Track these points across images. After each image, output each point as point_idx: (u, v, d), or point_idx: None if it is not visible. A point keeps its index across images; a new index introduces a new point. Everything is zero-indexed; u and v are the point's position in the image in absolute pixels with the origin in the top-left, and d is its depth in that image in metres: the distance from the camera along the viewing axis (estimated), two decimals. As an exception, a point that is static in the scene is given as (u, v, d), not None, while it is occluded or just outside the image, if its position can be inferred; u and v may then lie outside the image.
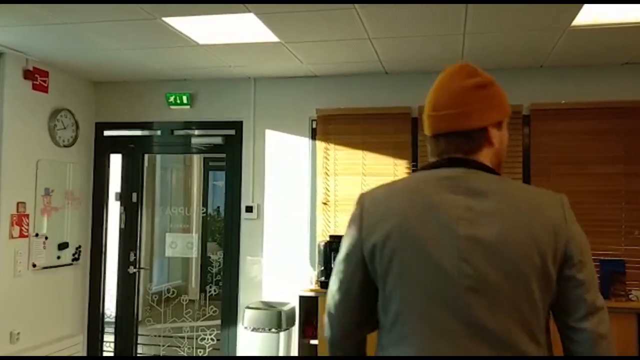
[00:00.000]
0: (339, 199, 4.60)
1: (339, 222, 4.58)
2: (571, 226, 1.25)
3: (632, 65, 4.22)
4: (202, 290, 5.35)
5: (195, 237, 5.28)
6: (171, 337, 5.17)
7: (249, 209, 4.80)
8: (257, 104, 4.86)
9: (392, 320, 1.25)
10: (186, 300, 5.22)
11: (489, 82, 1.33)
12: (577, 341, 1.24)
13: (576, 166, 4.25)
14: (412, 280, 1.22)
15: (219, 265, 5.06)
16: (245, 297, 4.74)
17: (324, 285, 4.24)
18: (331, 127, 4.67)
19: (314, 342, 4.25)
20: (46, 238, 4.53)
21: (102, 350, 5.13)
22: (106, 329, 5.19)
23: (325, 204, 4.62)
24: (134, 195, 5.16)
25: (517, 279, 1.18)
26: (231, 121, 4.89)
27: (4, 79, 4.19)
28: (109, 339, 5.16)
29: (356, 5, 3.13)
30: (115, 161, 5.25)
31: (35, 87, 4.46)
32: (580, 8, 3.14)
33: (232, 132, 4.91)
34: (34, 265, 4.40)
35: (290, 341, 4.42)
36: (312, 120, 4.74)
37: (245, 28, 3.55)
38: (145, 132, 5.15)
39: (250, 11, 3.24)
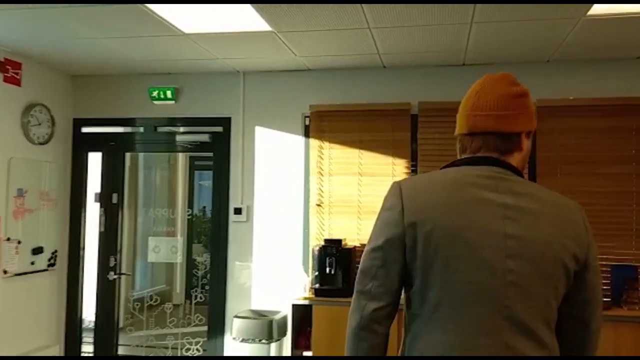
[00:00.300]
0: (333, 201, 4.34)
1: (333, 225, 4.31)
2: (590, 233, 1.37)
3: (645, 60, 4.00)
4: (188, 295, 5.06)
5: (180, 240, 4.98)
6: (154, 347, 4.86)
7: (238, 211, 4.52)
8: (246, 100, 4.58)
9: (430, 309, 1.30)
10: (170, 308, 4.91)
11: (528, 93, 1.43)
12: (579, 335, 1.39)
13: (584, 166, 4.04)
14: (456, 272, 1.27)
15: (205, 269, 4.80)
16: (233, 305, 4.46)
17: (319, 292, 3.98)
18: (325, 124, 4.41)
19: (307, 353, 3.98)
20: (19, 242, 4.20)
21: (80, 362, 4.80)
22: (85, 339, 4.87)
23: (319, 205, 4.36)
24: (115, 196, 4.85)
25: (550, 277, 1.28)
26: (219, 117, 4.62)
27: (-29, 70, 3.86)
28: (87, 350, 4.84)
29: (358, -11, 2.86)
30: (95, 160, 4.93)
31: (6, 80, 4.13)
32: (599, -5, 2.91)
33: (219, 129, 4.64)
34: (5, 272, 4.08)
35: (282, 353, 4.15)
36: (306, 117, 4.48)
37: (235, 16, 3.27)
38: (127, 129, 4.84)
39: (241, -5, 2.96)
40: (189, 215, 5.23)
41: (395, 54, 4.01)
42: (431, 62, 4.21)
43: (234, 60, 4.29)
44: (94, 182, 4.91)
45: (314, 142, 4.41)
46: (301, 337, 4.04)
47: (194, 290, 4.88)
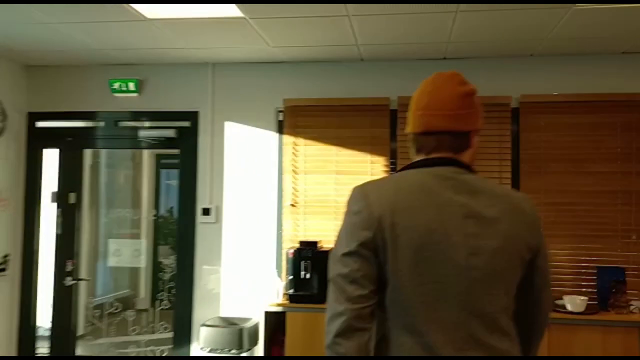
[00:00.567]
0: (309, 201, 4.10)
1: (309, 226, 4.07)
2: (540, 222, 1.45)
3: (631, 55, 3.87)
4: (153, 300, 4.77)
5: (143, 243, 4.67)
6: (114, 356, 4.54)
7: (206, 212, 4.24)
8: (215, 93, 4.30)
9: (400, 310, 1.33)
10: (133, 316, 4.59)
11: (476, 91, 1.48)
12: (531, 316, 1.50)
13: (569, 164, 3.89)
14: (424, 273, 1.31)
15: (172, 272, 4.55)
16: (200, 312, 4.17)
17: (293, 298, 3.74)
18: (300, 119, 4.17)
19: (281, 363, 3.73)
20: (-36, 246, 3.84)
21: (33, 375, 4.44)
22: (40, 349, 4.52)
23: (293, 205, 4.11)
24: (72, 195, 4.52)
25: (509, 269, 1.36)
26: (185, 112, 4.32)
27: None
28: (42, 361, 4.49)
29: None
30: (51, 157, 4.57)
31: (-51, 68, 3.77)
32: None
33: (186, 124, 4.34)
34: (-52, 279, 3.71)
35: (254, 363, 3.88)
36: (279, 112, 4.24)
37: (204, -2, 2.99)
38: (86, 124, 4.48)
39: (210, -26, 2.69)
40: (154, 216, 4.93)
41: (374, 45, 3.79)
42: (411, 55, 4.01)
43: (202, 50, 4.00)
44: (50, 181, 4.57)
45: (287, 139, 4.17)
46: (274, 346, 3.79)
47: (159, 294, 4.57)
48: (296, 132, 4.16)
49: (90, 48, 3.97)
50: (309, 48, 3.88)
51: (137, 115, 4.40)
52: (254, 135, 4.23)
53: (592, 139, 3.87)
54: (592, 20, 3.28)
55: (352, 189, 1.42)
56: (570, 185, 3.87)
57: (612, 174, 3.84)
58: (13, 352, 4.37)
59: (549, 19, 3.27)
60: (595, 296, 3.66)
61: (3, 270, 4.20)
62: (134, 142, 4.46)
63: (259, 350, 3.84)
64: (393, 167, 4.05)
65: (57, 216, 4.49)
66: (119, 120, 4.44)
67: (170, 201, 5.07)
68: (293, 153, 4.16)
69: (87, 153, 4.70)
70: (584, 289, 3.76)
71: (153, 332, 4.53)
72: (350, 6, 3.07)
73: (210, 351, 3.77)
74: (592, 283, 3.74)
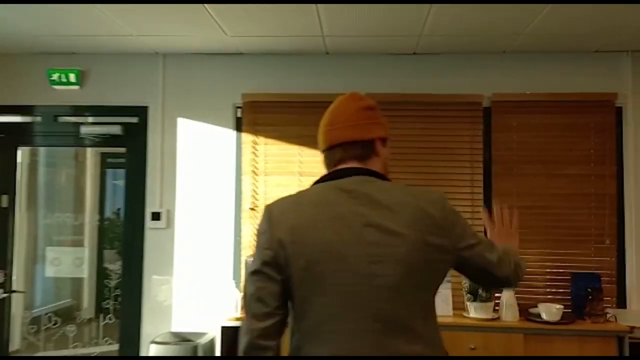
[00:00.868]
0: (269, 204, 3.78)
1: (269, 232, 3.76)
2: (452, 217, 1.47)
3: (603, 54, 3.76)
4: (98, 310, 4.37)
5: (86, 251, 4.25)
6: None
7: (156, 216, 3.88)
8: (167, 86, 3.96)
9: (309, 322, 1.38)
10: (74, 331, 4.16)
11: (376, 106, 1.59)
12: (488, 279, 1.61)
13: (541, 166, 3.75)
14: (329, 285, 1.36)
15: (119, 278, 4.16)
16: (150, 327, 3.81)
17: (253, 311, 3.41)
18: (261, 116, 3.87)
19: (239, 382, 3.40)
20: None
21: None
22: (-34, 369, 4.03)
23: (253, 209, 3.80)
24: (5, 198, 4.06)
25: (418, 272, 1.38)
26: (133, 106, 3.97)
27: None
28: (-32, 383, 4.01)
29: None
30: (-21, 155, 4.09)
31: None
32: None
33: (134, 119, 3.99)
34: None
35: (209, 382, 3.55)
36: (237, 108, 3.93)
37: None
38: (21, 119, 4.08)
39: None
40: (98, 221, 4.50)
41: (341, 37, 3.52)
42: (380, 49, 3.77)
43: (152, 39, 3.64)
44: (-22, 182, 4.08)
45: (246, 137, 3.87)
46: (232, 363, 3.47)
47: (105, 302, 4.23)
48: (256, 129, 3.86)
49: (26, 34, 3.54)
50: (270, 39, 3.58)
51: (79, 110, 4.04)
52: (210, 133, 3.91)
53: (565, 140, 3.74)
54: (569, 16, 3.14)
55: (265, 207, 1.49)
56: (543, 188, 3.73)
57: (585, 177, 3.72)
58: None
59: (527, 14, 3.09)
60: (569, 303, 3.51)
61: None
62: (75, 139, 4.06)
63: (215, 368, 3.51)
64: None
65: (-13, 221, 4.02)
66: (59, 115, 4.06)
67: (117, 203, 4.67)
68: (252, 152, 3.86)
69: (24, 151, 4.23)
70: (557, 297, 3.62)
71: (97, 344, 4.12)
72: (318, -8, 2.80)
73: (160, 371, 3.41)
74: (566, 290, 3.59)
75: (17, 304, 4.15)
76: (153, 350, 3.46)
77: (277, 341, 1.41)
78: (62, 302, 4.61)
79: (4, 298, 3.99)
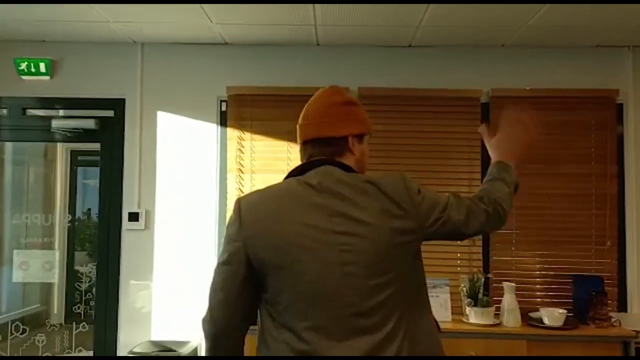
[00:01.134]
0: (256, 204, 3.56)
1: (256, 233, 3.53)
2: (415, 195, 1.45)
3: (605, 49, 3.63)
4: (68, 315, 4.12)
5: (57, 255, 3.96)
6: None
7: (134, 217, 3.64)
8: (145, 77, 3.71)
9: (280, 311, 1.40)
10: (43, 341, 3.87)
11: (353, 101, 1.59)
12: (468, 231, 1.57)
13: (540, 165, 3.59)
14: (300, 274, 1.38)
15: (90, 281, 3.93)
16: (127, 336, 3.55)
17: (240, 319, 3.18)
18: (247, 110, 3.65)
19: (224, 395, 3.17)
20: None
21: None
22: None
23: (238, 210, 3.56)
24: (-33, 198, 3.75)
25: (387, 257, 1.39)
26: (109, 99, 3.73)
27: None
28: None
29: None
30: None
31: None
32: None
33: (109, 113, 3.75)
34: None
35: (192, 395, 3.31)
36: (222, 101, 3.71)
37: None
38: (-15, 111, 3.77)
39: None
40: (69, 222, 4.22)
41: (334, 26, 3.32)
42: (373, 41, 3.58)
43: (129, 26, 3.39)
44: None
45: (232, 133, 3.64)
46: (217, 375, 3.23)
47: (76, 307, 3.97)
48: (242, 125, 3.65)
49: (-12, 17, 3.25)
50: (258, 27, 3.36)
51: (49, 102, 3.76)
52: (192, 128, 3.67)
53: (565, 139, 3.60)
54: (570, 11, 3.03)
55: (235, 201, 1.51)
56: (541, 188, 3.59)
57: (585, 176, 3.59)
58: None
59: (528, 8, 2.95)
60: (571, 307, 3.37)
61: None
62: (45, 134, 3.77)
63: (199, 380, 3.27)
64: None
65: (-53, 222, 3.70)
66: (27, 108, 3.80)
67: (88, 203, 4.40)
68: (238, 149, 3.63)
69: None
70: (558, 300, 3.48)
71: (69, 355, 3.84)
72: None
73: (139, 384, 3.16)
74: (567, 293, 3.45)
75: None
76: (131, 361, 3.20)
77: (241, 332, 1.47)
78: (30, 307, 4.32)
79: (-35, 306, 3.68)
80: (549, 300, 3.49)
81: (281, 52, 3.67)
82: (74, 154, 4.74)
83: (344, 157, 1.50)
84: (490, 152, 1.77)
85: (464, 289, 3.31)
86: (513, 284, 3.29)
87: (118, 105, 3.71)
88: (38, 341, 3.84)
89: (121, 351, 3.50)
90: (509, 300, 3.24)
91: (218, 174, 3.65)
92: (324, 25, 3.28)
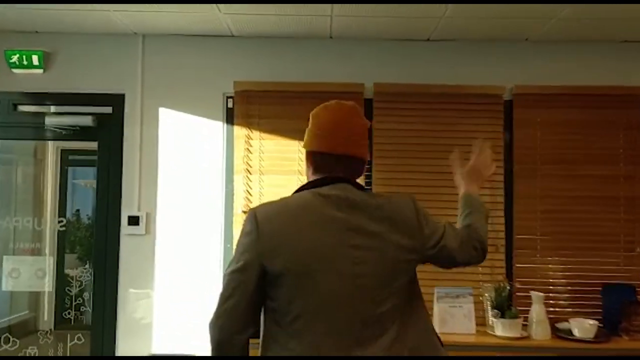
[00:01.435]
0: (266, 207, 3.34)
1: (266, 239, 3.32)
2: (422, 219, 1.57)
3: (633, 45, 3.46)
4: (58, 324, 3.87)
5: (49, 261, 3.71)
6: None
7: (134, 221, 3.43)
8: (146, 72, 3.51)
9: (291, 320, 1.46)
10: (35, 353, 3.61)
11: (368, 127, 1.66)
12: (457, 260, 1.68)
13: (567, 166, 3.43)
14: (314, 285, 1.44)
15: (81, 286, 3.74)
16: (126, 348, 3.35)
17: (250, 331, 2.96)
18: (255, 107, 3.45)
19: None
20: None
21: None
22: None
23: (245, 212, 3.33)
24: (-48, 200, 3.51)
25: (395, 274, 1.50)
26: (107, 94, 3.54)
27: None
28: None
29: None
30: None
31: None
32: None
33: (107, 110, 3.56)
34: None
35: (198, 414, 3.08)
36: (228, 98, 3.51)
37: None
38: (-27, 107, 3.57)
39: None
40: (61, 225, 3.98)
41: (351, 17, 3.11)
42: (389, 34, 3.39)
43: (130, 15, 3.17)
44: None
45: (239, 131, 3.44)
46: (224, 392, 3.01)
47: (66, 313, 3.78)
48: (249, 122, 3.45)
49: (-23, 4, 3.00)
50: (270, 17, 3.14)
51: (43, 98, 3.58)
52: (196, 126, 3.48)
53: (593, 139, 3.43)
54: (598, 6, 2.83)
55: (248, 211, 1.54)
56: (566, 191, 3.42)
57: (614, 178, 3.42)
58: None
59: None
60: (601, 317, 3.18)
61: None
62: (38, 131, 3.59)
63: (205, 398, 3.04)
64: (368, 167, 3.39)
65: None
66: (18, 104, 3.59)
67: (77, 205, 4.20)
68: (246, 149, 3.43)
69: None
70: (586, 310, 3.29)
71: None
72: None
73: (140, 402, 2.92)
74: (597, 303, 3.27)
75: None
76: (131, 378, 2.96)
77: (245, 339, 1.50)
78: (18, 315, 4.08)
79: (-50, 316, 3.42)
80: (576, 310, 3.30)
81: (292, 45, 3.48)
82: (64, 153, 4.55)
83: (358, 178, 1.60)
84: (459, 181, 1.84)
85: (489, 298, 3.11)
86: (541, 294, 3.10)
87: (117, 101, 3.51)
88: (29, 354, 3.59)
89: (120, 365, 3.27)
90: (537, 311, 3.05)
91: (224, 175, 3.45)
92: (341, 16, 3.07)
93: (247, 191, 3.40)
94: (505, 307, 3.04)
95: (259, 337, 1.53)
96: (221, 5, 2.95)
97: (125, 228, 3.43)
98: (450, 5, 2.90)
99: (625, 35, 3.37)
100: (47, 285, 3.70)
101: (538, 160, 3.42)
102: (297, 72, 3.45)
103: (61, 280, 4.00)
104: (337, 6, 2.93)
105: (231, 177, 3.43)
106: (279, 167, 3.40)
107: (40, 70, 3.49)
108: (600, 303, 3.25)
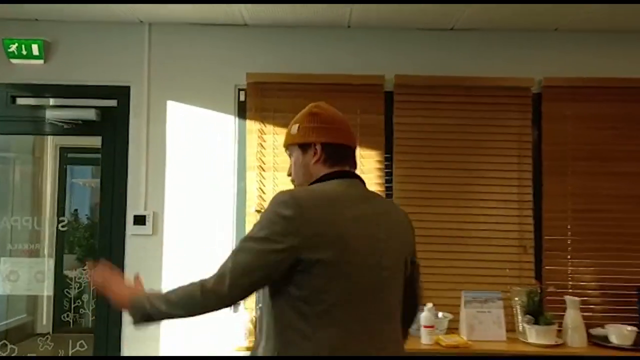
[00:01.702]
0: (280, 206, 3.18)
1: (281, 240, 3.15)
2: (413, 230, 1.71)
3: (669, 34, 3.30)
4: (56, 327, 3.78)
5: (48, 263, 3.55)
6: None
7: (140, 220, 3.29)
8: (153, 62, 3.37)
9: (323, 310, 1.45)
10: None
11: None
12: (415, 302, 1.79)
13: (600, 163, 3.29)
14: (349, 274, 1.46)
15: (80, 287, 3.67)
16: (133, 354, 3.19)
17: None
18: (269, 100, 3.30)
19: None
20: None
21: None
22: None
23: (259, 212, 3.18)
24: (-54, 198, 3.34)
25: (402, 269, 1.61)
26: (111, 86, 3.41)
27: None
28: None
29: None
30: None
31: None
32: None
33: (112, 103, 3.42)
34: None
35: None
36: (240, 90, 3.36)
37: None
38: (-32, 100, 3.44)
39: None
40: (62, 225, 3.83)
41: (372, 5, 2.93)
42: (412, 23, 3.21)
43: (135, 4, 2.98)
44: None
45: (252, 125, 3.29)
46: (238, 404, 2.84)
47: (64, 315, 3.68)
48: (263, 116, 3.30)
49: (-27, -12, 2.83)
50: (285, 6, 2.96)
51: (43, 90, 3.45)
52: (207, 120, 3.33)
53: (626, 134, 3.28)
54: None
55: (281, 193, 1.51)
56: (599, 189, 3.27)
57: (647, 175, 3.26)
58: None
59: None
60: (637, 323, 3.01)
61: None
62: (37, 125, 3.43)
63: (218, 410, 2.86)
64: (388, 163, 3.26)
65: None
66: (17, 96, 3.46)
67: (75, 204, 4.13)
68: (259, 144, 3.28)
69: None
70: (621, 314, 3.12)
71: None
72: None
73: (148, 415, 2.73)
74: (632, 307, 3.10)
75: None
76: (138, 388, 2.78)
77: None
78: (15, 318, 3.92)
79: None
80: (611, 315, 3.14)
81: (306, 35, 3.33)
82: (62, 151, 4.43)
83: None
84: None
85: (520, 303, 2.93)
86: (576, 298, 2.93)
87: (122, 93, 3.38)
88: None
89: (125, 375, 3.08)
90: (572, 316, 2.87)
91: (236, 172, 3.31)
92: (361, 4, 2.89)
93: (260, 189, 3.23)
94: (539, 312, 2.86)
95: None
96: (235, -10, 2.78)
97: (131, 228, 3.29)
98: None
99: (660, 24, 3.20)
100: (47, 289, 3.53)
101: (568, 156, 3.28)
102: (314, 63, 3.30)
103: (60, 282, 3.87)
104: (359, -9, 2.75)
105: (243, 174, 3.28)
106: (294, 164, 3.24)
107: (41, 61, 3.36)
108: (636, 307, 3.08)
